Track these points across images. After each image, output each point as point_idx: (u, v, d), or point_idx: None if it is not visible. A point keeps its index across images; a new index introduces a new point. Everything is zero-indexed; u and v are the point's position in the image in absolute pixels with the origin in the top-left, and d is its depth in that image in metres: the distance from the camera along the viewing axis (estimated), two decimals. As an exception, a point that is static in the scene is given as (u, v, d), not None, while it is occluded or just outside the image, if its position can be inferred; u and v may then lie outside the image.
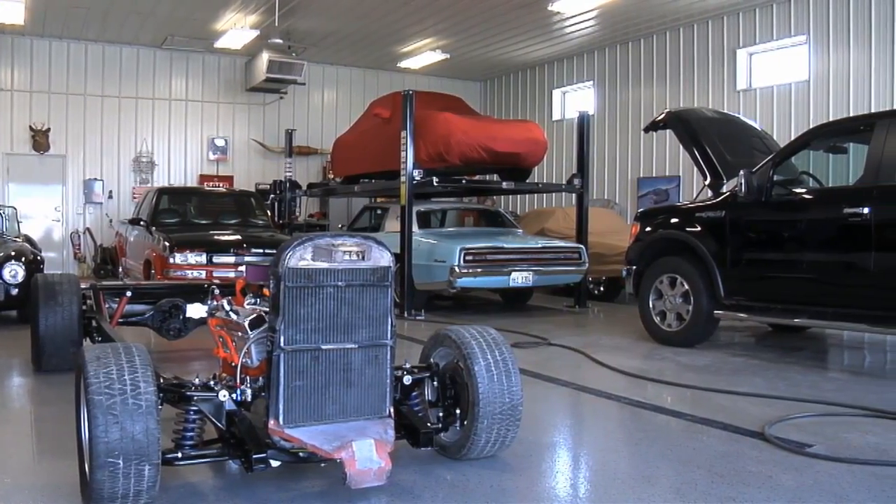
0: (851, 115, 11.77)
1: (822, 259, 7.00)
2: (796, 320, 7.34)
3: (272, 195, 15.21)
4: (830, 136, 7.98)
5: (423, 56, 18.26)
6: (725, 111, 12.08)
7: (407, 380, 4.10)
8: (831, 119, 11.41)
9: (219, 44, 16.92)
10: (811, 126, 9.83)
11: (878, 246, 6.44)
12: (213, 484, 3.85)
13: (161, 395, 3.49)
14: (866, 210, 6.49)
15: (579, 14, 14.85)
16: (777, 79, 14.10)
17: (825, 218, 6.99)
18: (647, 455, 4.44)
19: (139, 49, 17.76)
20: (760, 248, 7.58)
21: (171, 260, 10.14)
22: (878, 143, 6.63)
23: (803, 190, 7.47)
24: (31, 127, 16.80)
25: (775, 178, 7.37)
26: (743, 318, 7.83)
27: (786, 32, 13.81)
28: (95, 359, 3.29)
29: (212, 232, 11.55)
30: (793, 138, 8.15)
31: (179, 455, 3.52)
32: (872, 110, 11.60)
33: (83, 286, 6.89)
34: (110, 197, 17.68)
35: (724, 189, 8.13)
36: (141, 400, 3.18)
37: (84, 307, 6.63)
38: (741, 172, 7.43)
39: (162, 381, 3.63)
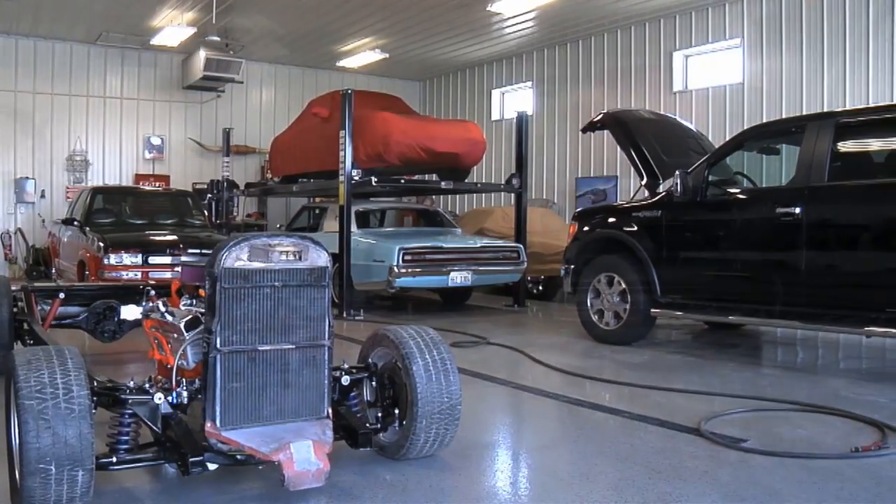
0: (784, 117, 12.03)
1: (755, 258, 7.14)
2: (731, 318, 7.52)
3: (209, 195, 15.02)
4: (763, 137, 8.14)
5: (362, 55, 18.21)
6: (661, 112, 12.26)
7: (345, 380, 4.08)
8: (764, 121, 11.62)
9: (155, 41, 16.65)
10: (745, 127, 9.99)
11: (809, 245, 6.58)
12: (150, 488, 3.78)
13: (95, 398, 3.41)
14: (798, 210, 6.63)
15: (518, 15, 14.95)
16: (712, 81, 14.38)
17: (758, 217, 7.12)
18: (586, 452, 4.48)
19: (72, 45, 17.37)
20: (696, 247, 7.71)
21: (106, 261, 9.95)
22: (809, 144, 6.77)
23: (737, 190, 7.62)
24: (-42, 124, 16.33)
25: (710, 178, 7.48)
26: (679, 315, 7.95)
27: (720, 36, 14.09)
28: (26, 362, 3.22)
29: (147, 232, 11.36)
30: (727, 139, 8.28)
31: (114, 459, 3.45)
32: (804, 112, 11.87)
33: (14, 288, 6.69)
34: (42, 196, 17.26)
35: (661, 189, 8.25)
36: (73, 404, 3.11)
37: (15, 309, 6.44)
38: (677, 173, 7.53)
39: (96, 384, 3.56)
